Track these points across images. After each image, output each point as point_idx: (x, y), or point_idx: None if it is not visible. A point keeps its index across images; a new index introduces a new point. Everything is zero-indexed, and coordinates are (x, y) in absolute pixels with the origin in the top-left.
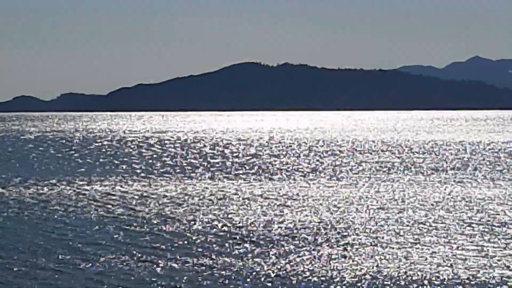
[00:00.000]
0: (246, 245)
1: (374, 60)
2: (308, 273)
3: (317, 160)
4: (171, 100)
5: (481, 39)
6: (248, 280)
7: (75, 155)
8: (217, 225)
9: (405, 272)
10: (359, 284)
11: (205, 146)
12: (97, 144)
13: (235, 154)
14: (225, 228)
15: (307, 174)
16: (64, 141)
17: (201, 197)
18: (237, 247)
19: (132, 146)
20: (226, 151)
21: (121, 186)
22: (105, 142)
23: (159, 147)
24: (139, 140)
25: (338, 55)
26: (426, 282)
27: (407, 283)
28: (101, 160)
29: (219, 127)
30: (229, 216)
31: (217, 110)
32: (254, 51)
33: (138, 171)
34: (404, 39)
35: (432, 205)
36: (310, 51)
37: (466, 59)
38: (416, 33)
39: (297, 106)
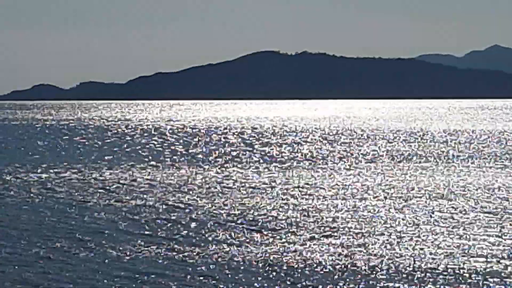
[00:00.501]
0: (255, 234)
1: (393, 49)
2: (316, 262)
3: (331, 149)
4: (189, 89)
5: (500, 27)
6: (254, 269)
7: (88, 143)
8: (227, 214)
9: (417, 262)
10: (370, 274)
11: (220, 134)
12: (111, 133)
13: (249, 143)
14: (234, 217)
15: (320, 162)
16: (78, 129)
17: (213, 185)
18: (244, 235)
19: (146, 135)
20: (241, 139)
21: (132, 175)
22: (120, 131)
23: (175, 135)
24: (154, 128)
25: (356, 44)
26: (438, 271)
27: (418, 272)
28: (114, 148)
29: (237, 115)
30: (239, 204)
31: (235, 98)
32: (272, 39)
33: (151, 159)
34: (422, 27)
35: (447, 194)
36: (329, 40)
37: (485, 48)
38: (434, 22)
39: (315, 94)
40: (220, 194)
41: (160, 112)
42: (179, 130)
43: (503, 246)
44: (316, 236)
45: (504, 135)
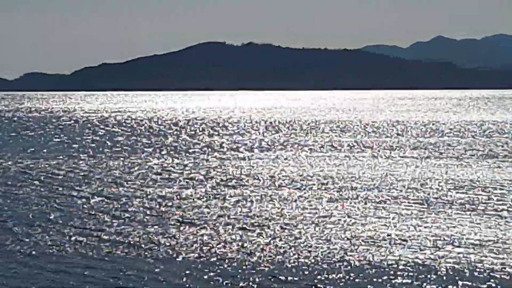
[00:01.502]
0: (187, 226)
1: (338, 40)
2: (247, 254)
3: (272, 140)
4: (135, 80)
5: (444, 18)
6: (184, 261)
7: (27, 134)
8: (162, 205)
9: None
10: (300, 265)
11: (162, 125)
12: (52, 124)
13: (191, 134)
14: (168, 209)
15: (259, 153)
16: (18, 120)
17: (153, 176)
18: (178, 228)
19: (88, 126)
20: (184, 130)
21: (68, 165)
22: (61, 122)
23: (116, 126)
24: (96, 119)
25: (302, 35)
26: (371, 262)
27: (352, 262)
28: (53, 139)
29: (182, 106)
30: (174, 196)
31: (181, 89)
32: (218, 30)
33: (90, 150)
34: (367, 18)
35: (380, 184)
36: (275, 31)
37: (429, 39)
38: (379, 13)
39: (261, 86)
40: (160, 184)
41: (105, 103)
42: (121, 121)
43: (436, 236)
44: (247, 227)
45: (442, 126)
